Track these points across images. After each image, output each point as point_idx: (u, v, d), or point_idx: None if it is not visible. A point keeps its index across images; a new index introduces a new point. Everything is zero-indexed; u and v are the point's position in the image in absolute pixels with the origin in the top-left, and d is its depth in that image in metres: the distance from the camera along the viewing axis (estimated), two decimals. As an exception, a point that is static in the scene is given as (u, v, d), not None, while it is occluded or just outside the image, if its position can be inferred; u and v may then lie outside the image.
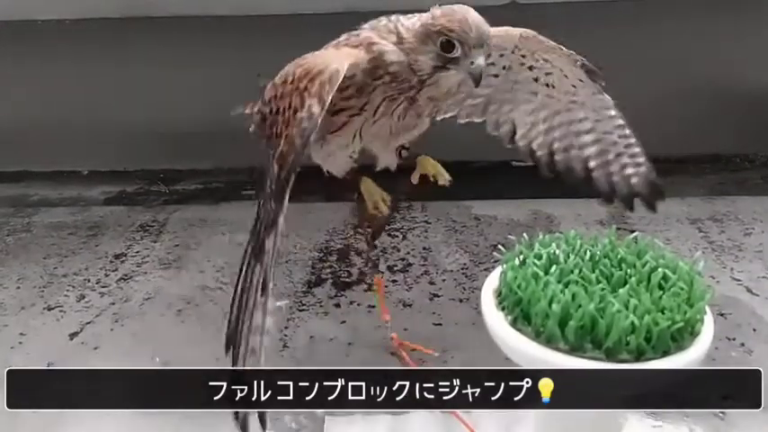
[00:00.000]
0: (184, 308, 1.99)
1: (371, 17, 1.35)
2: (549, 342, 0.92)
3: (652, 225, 2.34)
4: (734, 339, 1.77)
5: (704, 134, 2.90)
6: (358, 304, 2.00)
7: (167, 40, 2.71)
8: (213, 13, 2.55)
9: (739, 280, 2.02)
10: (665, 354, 0.88)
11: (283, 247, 2.33)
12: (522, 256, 1.05)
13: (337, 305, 2.00)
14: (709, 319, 0.93)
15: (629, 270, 0.98)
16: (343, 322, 1.92)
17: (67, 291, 2.12)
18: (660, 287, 0.94)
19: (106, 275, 2.21)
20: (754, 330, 1.80)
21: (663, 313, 0.89)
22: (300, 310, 1.97)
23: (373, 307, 1.98)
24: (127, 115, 2.90)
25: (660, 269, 0.97)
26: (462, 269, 2.16)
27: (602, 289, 0.93)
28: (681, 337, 0.88)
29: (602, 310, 0.90)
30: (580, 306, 0.91)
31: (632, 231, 2.32)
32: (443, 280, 2.10)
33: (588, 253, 1.03)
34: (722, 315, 1.85)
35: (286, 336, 1.86)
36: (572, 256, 1.01)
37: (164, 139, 2.96)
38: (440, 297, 2.01)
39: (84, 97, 2.89)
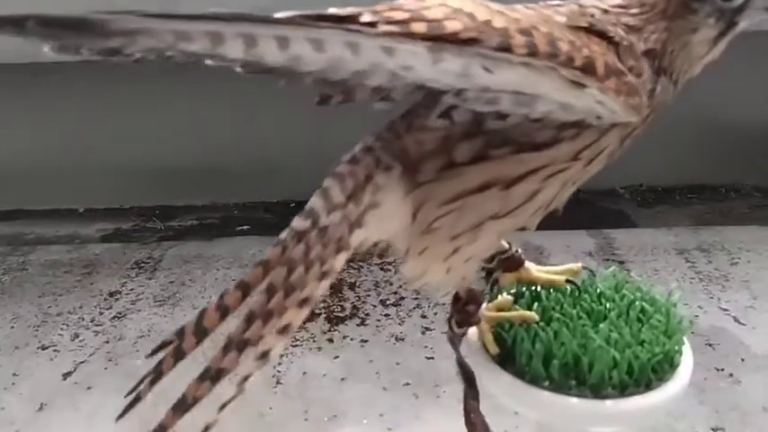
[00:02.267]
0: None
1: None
2: (533, 381, 0.94)
3: (640, 255, 2.38)
4: (722, 370, 1.79)
5: (690, 164, 2.96)
6: (351, 339, 2.02)
7: (161, 79, 2.77)
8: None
9: (726, 310, 2.05)
10: (648, 387, 0.91)
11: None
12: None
13: (330, 340, 2.01)
14: (687, 350, 0.96)
15: (608, 304, 1.01)
16: (337, 357, 1.93)
17: (62, 330, 2.13)
18: (639, 320, 0.97)
19: (100, 314, 2.22)
20: (742, 360, 1.83)
21: (642, 346, 0.91)
22: (293, 346, 1.99)
23: (366, 341, 2.00)
24: (122, 153, 2.94)
25: (638, 302, 1.00)
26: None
27: (584, 325, 0.96)
28: (661, 370, 0.91)
29: (583, 347, 0.93)
30: (563, 344, 0.94)
31: (621, 262, 2.38)
32: (435, 313, 2.12)
33: (569, 288, 1.06)
34: (710, 345, 1.88)
35: (279, 372, 1.87)
36: (553, 292, 1.04)
37: (159, 176, 3.00)
38: (432, 331, 2.03)
39: (79, 135, 2.94)
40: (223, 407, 0.80)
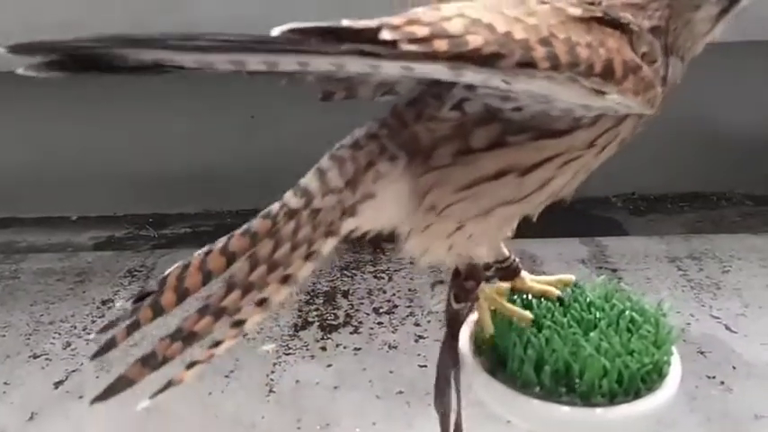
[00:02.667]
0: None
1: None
2: (524, 388, 0.95)
3: (632, 263, 2.39)
4: (713, 378, 1.80)
5: (682, 173, 2.99)
6: (344, 347, 2.01)
7: (155, 87, 2.77)
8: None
9: (718, 318, 2.06)
10: (637, 396, 0.91)
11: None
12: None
13: (323, 348, 2.01)
14: (676, 360, 0.97)
15: (598, 314, 1.02)
16: (330, 366, 1.93)
17: (54, 338, 2.12)
18: (628, 330, 0.97)
19: (93, 322, 2.21)
20: (734, 368, 1.84)
21: (632, 356, 0.92)
22: (287, 354, 1.99)
23: (359, 349, 2.00)
24: (115, 160, 2.94)
25: (628, 312, 1.01)
26: (447, 310, 2.19)
27: (574, 333, 0.97)
28: (650, 379, 0.92)
29: (574, 354, 0.94)
30: (555, 351, 0.94)
31: (613, 270, 2.39)
32: (428, 321, 2.13)
33: (557, 294, 1.06)
34: (702, 353, 1.89)
35: (272, 380, 1.87)
36: (544, 301, 1.04)
37: (152, 184, 3.00)
38: (425, 339, 2.03)
39: (72, 143, 2.94)
40: (191, 366, 0.80)
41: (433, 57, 0.61)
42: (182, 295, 0.79)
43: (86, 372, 1.93)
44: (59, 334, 2.14)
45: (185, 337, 0.79)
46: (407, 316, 2.16)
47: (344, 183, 0.79)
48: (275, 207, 0.81)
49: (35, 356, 2.02)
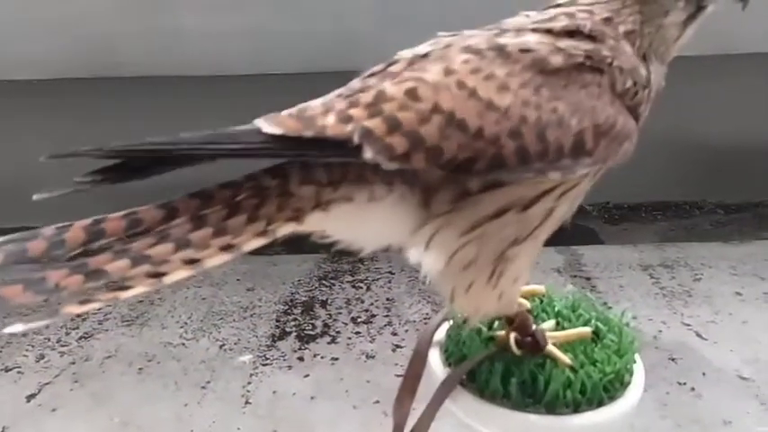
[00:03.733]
0: (145, 366, 1.98)
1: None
2: (493, 398, 0.96)
3: (606, 272, 2.43)
4: (684, 384, 1.83)
5: (656, 182, 3.04)
6: (322, 357, 2.02)
7: (131, 98, 2.77)
8: (180, 74, 2.63)
9: (689, 325, 2.11)
10: (600, 405, 0.93)
11: (248, 301, 2.34)
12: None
13: (301, 358, 2.01)
14: (639, 369, 0.99)
15: (565, 324, 1.04)
16: (307, 376, 1.93)
17: (26, 351, 2.09)
18: (592, 340, 1.00)
19: (67, 334, 2.18)
20: (704, 374, 1.87)
21: (595, 366, 0.94)
22: (264, 365, 1.98)
23: (337, 359, 2.00)
24: (90, 169, 2.91)
25: (593, 321, 1.03)
26: (425, 319, 2.20)
27: (541, 344, 0.99)
28: (612, 388, 0.94)
29: (541, 366, 0.95)
30: (521, 362, 0.96)
31: (587, 279, 2.42)
32: (406, 330, 2.14)
33: (529, 305, 1.08)
34: (673, 360, 1.93)
35: (249, 391, 1.86)
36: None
37: (127, 194, 2.97)
38: (402, 348, 2.04)
39: (46, 152, 2.90)
40: (85, 302, 0.73)
41: (412, 169, 0.72)
42: (92, 236, 0.73)
43: (60, 384, 1.91)
44: (32, 346, 2.12)
45: (90, 272, 0.72)
46: (385, 325, 2.17)
47: (328, 181, 0.78)
48: (240, 179, 0.78)
49: (7, 370, 2.00)
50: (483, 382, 0.98)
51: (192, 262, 0.76)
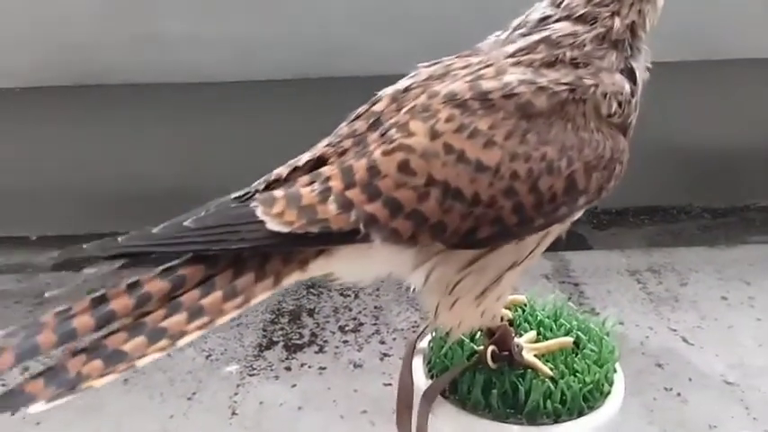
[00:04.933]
0: (131, 377, 1.96)
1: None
2: (475, 410, 0.96)
3: (594, 278, 2.44)
4: (671, 389, 1.84)
5: (643, 187, 3.05)
6: (309, 366, 2.01)
7: (117, 105, 2.75)
8: (164, 81, 2.62)
9: (675, 330, 2.11)
10: (580, 415, 0.94)
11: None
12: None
13: (288, 368, 2.00)
14: (619, 378, 0.99)
15: (547, 333, 1.04)
16: (294, 386, 1.92)
17: (10, 363, 2.06)
18: (573, 350, 1.00)
19: (52, 345, 2.16)
20: (690, 380, 1.88)
21: (575, 376, 0.94)
22: (251, 375, 1.97)
23: (324, 368, 2.00)
24: (76, 179, 2.90)
25: (574, 331, 1.03)
26: (413, 327, 2.19)
27: (522, 354, 0.99)
28: (592, 398, 0.94)
29: (521, 377, 0.96)
30: (502, 374, 0.96)
31: (575, 284, 2.42)
32: (394, 339, 2.13)
33: (511, 315, 1.08)
34: (659, 366, 1.93)
35: (235, 402, 1.85)
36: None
37: (113, 202, 2.95)
38: (390, 356, 2.04)
39: (31, 162, 2.88)
40: (104, 376, 0.76)
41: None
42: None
43: (44, 397, 1.88)
44: (17, 358, 2.09)
45: (109, 355, 0.74)
46: (373, 334, 2.16)
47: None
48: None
49: (-10, 382, 1.97)
50: (465, 394, 0.98)
51: (205, 325, 0.79)
